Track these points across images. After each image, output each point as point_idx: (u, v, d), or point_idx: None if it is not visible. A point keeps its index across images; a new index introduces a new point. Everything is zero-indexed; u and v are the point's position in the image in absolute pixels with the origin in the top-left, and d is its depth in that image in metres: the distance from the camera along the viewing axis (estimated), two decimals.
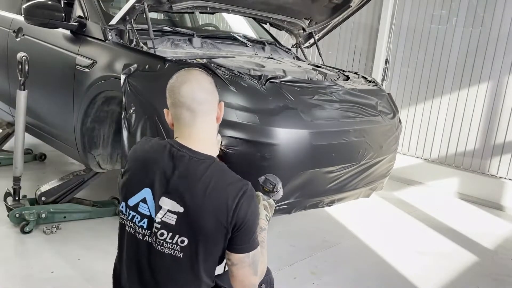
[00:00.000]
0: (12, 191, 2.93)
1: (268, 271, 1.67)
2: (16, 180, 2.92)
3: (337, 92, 2.67)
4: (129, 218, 1.44)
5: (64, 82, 2.95)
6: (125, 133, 2.36)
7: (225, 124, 2.11)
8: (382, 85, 4.23)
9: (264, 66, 2.74)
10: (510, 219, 3.99)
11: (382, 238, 3.27)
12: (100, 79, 2.65)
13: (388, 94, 3.15)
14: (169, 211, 1.37)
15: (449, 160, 4.59)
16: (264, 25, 3.97)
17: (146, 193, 1.41)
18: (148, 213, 1.40)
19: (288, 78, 2.51)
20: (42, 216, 2.84)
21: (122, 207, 1.47)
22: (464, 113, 4.47)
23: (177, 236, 1.36)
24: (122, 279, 1.49)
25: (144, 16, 2.67)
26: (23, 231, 2.76)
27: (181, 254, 1.37)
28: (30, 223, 2.78)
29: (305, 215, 3.25)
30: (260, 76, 2.40)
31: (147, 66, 2.38)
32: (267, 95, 2.34)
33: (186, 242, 1.36)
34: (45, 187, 3.02)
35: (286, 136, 2.27)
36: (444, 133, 4.62)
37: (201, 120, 1.46)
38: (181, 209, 1.36)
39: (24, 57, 2.85)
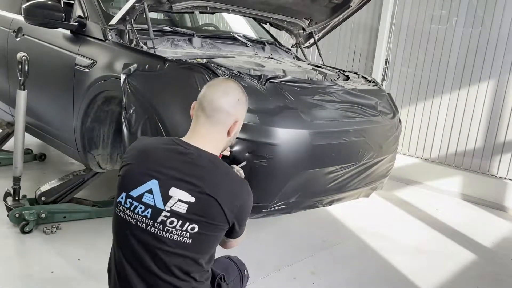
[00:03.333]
0: (12, 191, 2.93)
1: (244, 267, 1.86)
2: (16, 180, 2.92)
3: (337, 92, 2.67)
4: (130, 208, 1.47)
5: (64, 82, 2.95)
6: (125, 133, 2.36)
7: None
8: (382, 85, 4.23)
9: (264, 66, 2.74)
10: (511, 219, 3.99)
11: (382, 238, 3.27)
12: (100, 79, 2.65)
13: (388, 94, 3.15)
14: (179, 200, 1.43)
15: (449, 160, 4.58)
16: (264, 25, 3.97)
17: (153, 184, 1.46)
18: (153, 203, 1.44)
19: (288, 78, 2.51)
20: (42, 216, 2.84)
21: (122, 197, 1.50)
22: (464, 113, 4.47)
23: (188, 223, 1.43)
24: (122, 271, 1.50)
25: (144, 16, 2.67)
26: (23, 231, 2.76)
27: (190, 240, 1.44)
28: (30, 223, 2.78)
29: (305, 215, 3.25)
30: (260, 76, 2.40)
31: (147, 66, 2.38)
32: (267, 95, 2.34)
33: (196, 229, 1.43)
34: (45, 187, 3.01)
35: (286, 136, 2.27)
36: (444, 133, 4.62)
37: (209, 125, 1.55)
38: (192, 199, 1.43)
39: (24, 57, 2.85)
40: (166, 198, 1.44)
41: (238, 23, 4.05)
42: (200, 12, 3.30)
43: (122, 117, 2.37)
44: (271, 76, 2.45)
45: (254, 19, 3.72)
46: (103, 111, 2.77)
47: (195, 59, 2.52)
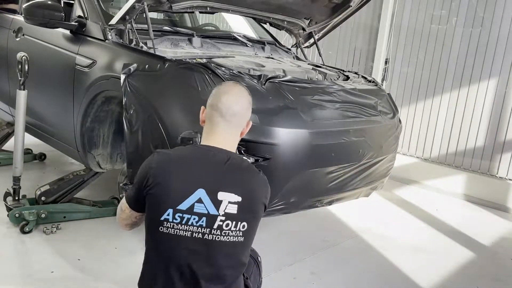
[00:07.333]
0: (12, 191, 2.93)
1: (257, 254, 1.93)
2: (16, 180, 2.92)
3: (337, 92, 2.67)
4: (182, 222, 1.51)
5: (64, 82, 2.95)
6: (126, 133, 2.36)
7: None
8: (382, 85, 4.23)
9: (264, 66, 2.74)
10: (511, 219, 3.99)
11: (382, 238, 3.27)
12: (100, 79, 2.65)
13: (388, 94, 3.15)
14: (229, 202, 1.52)
15: (449, 160, 4.59)
16: (264, 25, 3.97)
17: (200, 193, 1.52)
18: (206, 211, 1.51)
19: (288, 78, 2.51)
20: (42, 216, 2.84)
21: (168, 214, 1.51)
22: (464, 113, 4.47)
23: (239, 223, 1.53)
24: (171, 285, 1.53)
25: (144, 16, 2.67)
26: (23, 231, 2.76)
27: (243, 238, 1.55)
28: (30, 223, 2.78)
29: (305, 215, 3.25)
30: (260, 76, 2.40)
31: (147, 66, 2.38)
32: (267, 95, 2.34)
33: (246, 227, 1.55)
34: (45, 187, 3.01)
35: (286, 136, 2.27)
36: (444, 133, 4.62)
37: (229, 129, 1.67)
38: (239, 199, 1.53)
39: (24, 57, 2.85)
40: (217, 203, 1.51)
41: (238, 23, 4.05)
42: (200, 12, 3.30)
43: (123, 117, 2.37)
44: (271, 76, 2.45)
45: (254, 19, 3.72)
46: (103, 111, 2.77)
47: (195, 59, 2.52)
